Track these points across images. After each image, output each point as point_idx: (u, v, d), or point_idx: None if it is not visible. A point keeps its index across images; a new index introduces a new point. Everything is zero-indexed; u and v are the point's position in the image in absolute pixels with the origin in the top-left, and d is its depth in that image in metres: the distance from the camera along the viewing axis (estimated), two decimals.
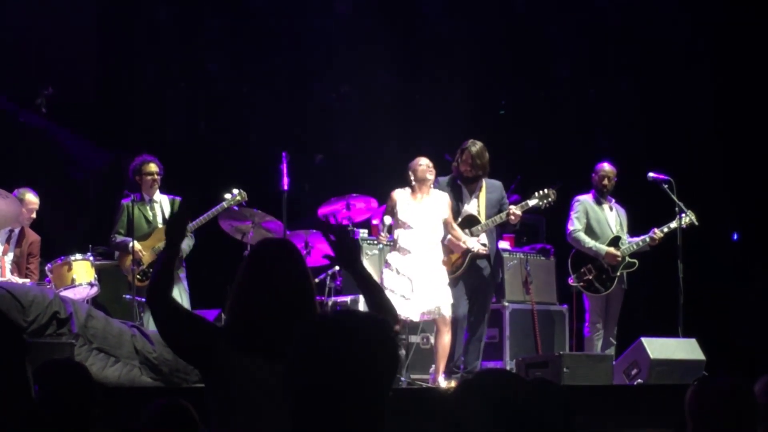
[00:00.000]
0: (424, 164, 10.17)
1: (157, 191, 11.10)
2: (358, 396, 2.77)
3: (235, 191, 11.00)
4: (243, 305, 4.26)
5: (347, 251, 4.59)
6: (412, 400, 8.59)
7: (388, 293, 9.61)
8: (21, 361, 3.72)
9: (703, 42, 13.71)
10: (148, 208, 10.99)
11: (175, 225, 4.44)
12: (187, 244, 10.93)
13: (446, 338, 10.02)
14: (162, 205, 11.10)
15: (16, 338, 3.79)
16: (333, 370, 2.76)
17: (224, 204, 10.95)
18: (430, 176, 10.17)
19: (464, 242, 10.34)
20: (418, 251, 9.96)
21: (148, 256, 10.87)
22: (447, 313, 9.98)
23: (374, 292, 4.57)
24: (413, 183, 10.15)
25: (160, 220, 11.01)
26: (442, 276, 10.04)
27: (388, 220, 10.09)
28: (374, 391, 2.80)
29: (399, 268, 9.96)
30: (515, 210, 10.50)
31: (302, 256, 4.41)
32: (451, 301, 10.07)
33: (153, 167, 11.02)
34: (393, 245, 10.29)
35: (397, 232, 10.13)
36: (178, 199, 11.19)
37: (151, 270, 10.87)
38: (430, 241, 10.06)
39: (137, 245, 10.72)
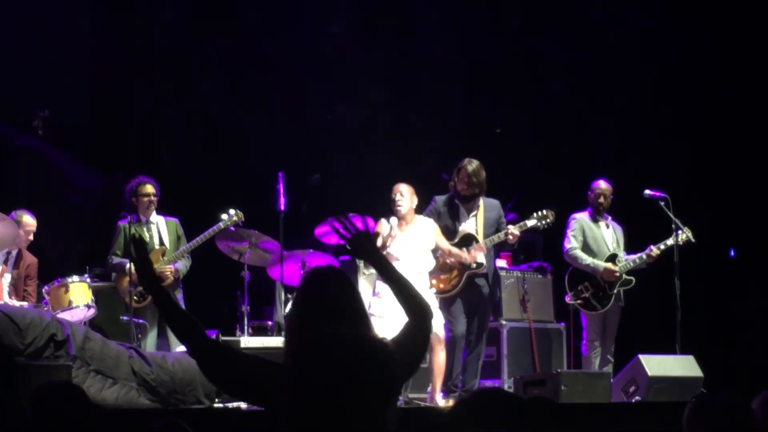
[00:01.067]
0: (395, 197, 10.19)
1: (154, 212, 11.09)
2: (357, 404, 2.79)
3: (232, 212, 11.00)
4: (302, 333, 4.08)
5: (359, 239, 4.49)
6: (409, 419, 8.57)
7: (376, 320, 9.69)
8: (11, 385, 3.72)
9: (697, 59, 13.73)
10: (145, 229, 10.98)
11: (137, 258, 4.43)
12: (183, 264, 10.94)
13: (440, 356, 10.01)
14: (159, 226, 11.10)
15: (4, 362, 3.79)
16: (336, 378, 2.78)
17: (221, 225, 10.95)
18: (400, 206, 10.15)
19: (455, 253, 10.35)
20: None
21: None
22: (440, 332, 9.97)
23: (396, 283, 4.48)
24: None
25: (157, 241, 11.01)
26: (431, 300, 10.02)
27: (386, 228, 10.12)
28: (372, 399, 2.82)
29: (388, 295, 9.94)
30: (513, 230, 10.49)
31: (350, 280, 4.33)
32: (442, 321, 10.07)
33: (150, 188, 11.02)
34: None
35: None
36: (174, 220, 11.20)
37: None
38: (416, 270, 10.03)
39: (134, 266, 10.71)
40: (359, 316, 4.16)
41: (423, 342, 4.29)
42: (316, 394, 3.77)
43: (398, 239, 10.10)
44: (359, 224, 4.40)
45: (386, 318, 9.58)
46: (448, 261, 10.44)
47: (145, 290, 4.37)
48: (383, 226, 10.17)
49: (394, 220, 10.16)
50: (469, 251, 10.44)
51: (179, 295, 10.83)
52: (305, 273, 4.57)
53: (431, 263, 10.22)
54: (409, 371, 4.16)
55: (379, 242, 10.04)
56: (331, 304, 4.12)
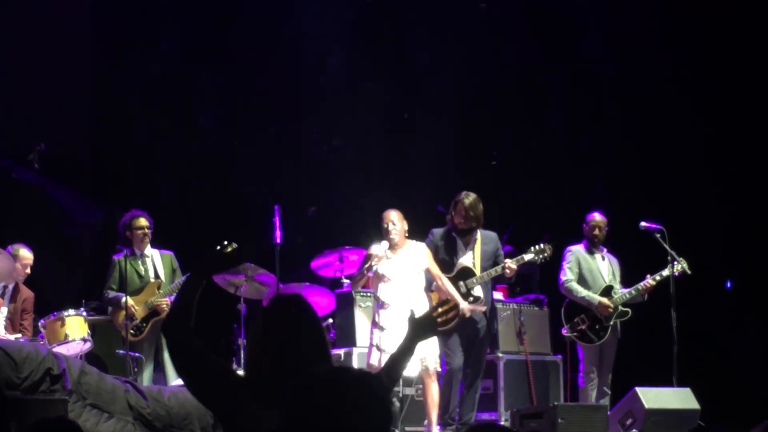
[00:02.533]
0: (387, 225, 10.22)
1: (149, 246, 11.11)
2: None
3: (225, 243, 10.97)
4: (259, 360, 4.24)
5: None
6: None
7: (375, 351, 9.72)
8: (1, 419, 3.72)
9: (693, 89, 13.77)
10: (139, 262, 10.99)
11: (219, 262, 4.50)
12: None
13: (433, 389, 9.98)
14: (153, 259, 11.12)
15: None
16: (328, 425, 2.77)
17: None
18: (394, 235, 10.18)
19: (455, 300, 10.35)
20: (398, 304, 9.95)
21: (141, 310, 10.88)
22: (432, 365, 9.95)
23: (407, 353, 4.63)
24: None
25: (152, 274, 11.02)
26: None
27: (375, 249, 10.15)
28: None
29: (384, 324, 9.96)
30: (511, 264, 10.49)
31: (314, 310, 4.41)
32: (437, 351, 10.05)
33: (143, 222, 11.05)
34: (376, 300, 10.26)
35: (377, 286, 10.16)
36: (169, 253, 11.22)
37: (144, 324, 10.87)
38: (409, 293, 10.04)
39: (130, 300, 10.73)
40: (322, 347, 4.27)
41: None
42: (271, 403, 3.92)
43: (391, 262, 10.12)
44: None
45: (389, 351, 9.58)
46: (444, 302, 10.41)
47: (201, 265, 4.41)
48: (374, 249, 10.19)
49: (385, 243, 10.18)
50: (466, 298, 10.42)
51: None
52: (272, 299, 4.57)
53: (422, 283, 10.22)
54: None
55: (367, 264, 10.09)
56: (293, 328, 4.23)
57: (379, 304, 10.16)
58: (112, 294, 10.91)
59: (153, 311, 10.89)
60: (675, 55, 13.87)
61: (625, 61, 14.18)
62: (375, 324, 10.12)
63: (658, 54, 13.98)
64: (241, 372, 4.50)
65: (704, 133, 13.74)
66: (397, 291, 10.05)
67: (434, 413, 9.99)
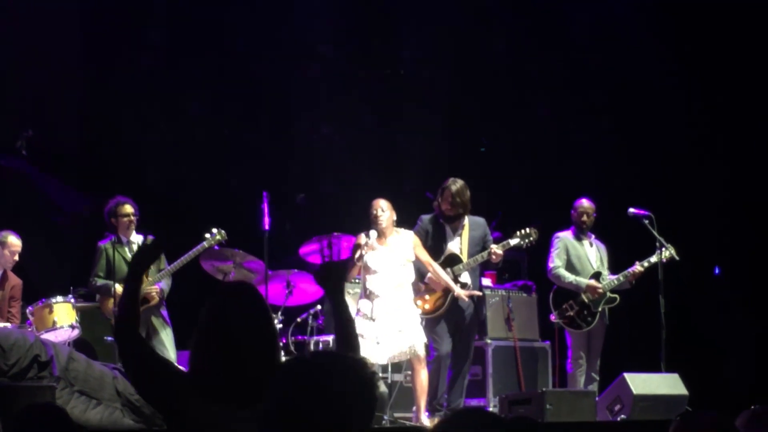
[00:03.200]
0: (375, 212, 10.23)
1: (134, 232, 11.04)
2: None
3: (214, 230, 10.99)
4: (203, 353, 4.16)
5: (331, 269, 4.51)
6: None
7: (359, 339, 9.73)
8: None
9: (682, 76, 13.78)
10: (126, 249, 10.95)
11: (142, 259, 4.46)
12: (166, 283, 10.93)
13: (422, 375, 10.00)
14: (139, 246, 11.09)
15: None
16: (312, 411, 2.77)
17: (204, 244, 10.94)
18: (382, 221, 10.17)
19: (444, 280, 10.37)
20: (385, 294, 9.96)
21: None
22: (421, 352, 9.97)
23: (343, 324, 4.45)
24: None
25: None
26: (413, 315, 10.03)
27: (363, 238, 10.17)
28: (353, 429, 2.81)
29: (368, 313, 9.97)
30: (496, 249, 10.50)
31: (262, 299, 4.29)
32: (424, 339, 10.07)
33: (128, 208, 10.96)
34: (362, 290, 10.28)
35: (364, 276, 10.16)
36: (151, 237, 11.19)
37: None
38: (396, 283, 10.06)
39: (119, 288, 10.70)
40: (261, 331, 4.16)
41: None
42: (216, 397, 3.97)
43: (378, 252, 10.13)
44: (344, 254, 4.48)
45: (367, 338, 9.63)
46: (435, 287, 10.44)
47: (133, 268, 4.35)
48: (361, 239, 10.20)
49: (373, 233, 10.18)
50: (456, 281, 10.44)
51: (164, 312, 10.83)
52: (216, 289, 4.48)
53: (411, 276, 10.23)
54: None
55: (357, 253, 10.09)
56: (236, 319, 4.13)
57: (363, 293, 10.17)
58: (100, 282, 10.86)
59: (142, 299, 10.87)
60: (664, 43, 13.88)
61: (614, 50, 14.17)
62: (357, 312, 10.13)
63: (648, 42, 13.98)
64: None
65: (693, 120, 13.76)
66: (384, 282, 10.06)
67: (423, 399, 10.01)
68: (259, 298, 4.27)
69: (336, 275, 4.51)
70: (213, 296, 4.30)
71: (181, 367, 4.47)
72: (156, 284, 10.79)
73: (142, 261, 4.48)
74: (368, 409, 2.90)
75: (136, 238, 11.05)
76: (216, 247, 11.05)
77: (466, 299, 10.38)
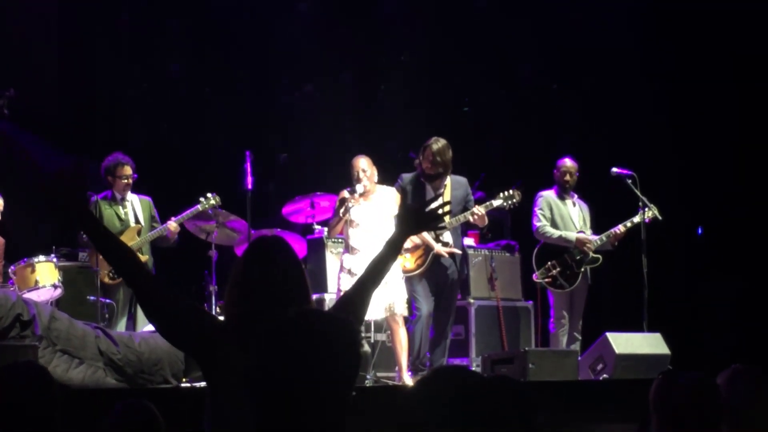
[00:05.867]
0: (357, 173, 10.21)
1: (129, 192, 11.13)
2: (320, 395, 2.77)
3: (209, 195, 11.04)
4: (241, 301, 4.24)
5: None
6: (377, 398, 8.57)
7: (346, 276, 9.76)
8: None
9: (662, 36, 13.77)
10: (120, 207, 10.98)
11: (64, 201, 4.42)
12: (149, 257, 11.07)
13: (401, 334, 10.00)
14: (133, 204, 11.12)
15: None
16: (296, 370, 2.76)
17: (199, 207, 11.04)
18: (364, 182, 10.15)
19: (429, 243, 10.37)
20: (368, 250, 9.93)
21: None
22: (400, 310, 9.97)
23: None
24: None
25: (132, 218, 11.07)
26: (395, 273, 9.99)
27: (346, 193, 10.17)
28: (336, 389, 2.80)
29: (352, 268, 9.96)
30: (478, 210, 10.46)
31: (294, 251, 4.42)
32: (405, 297, 10.07)
33: (128, 170, 11.04)
34: (345, 247, 10.29)
35: (347, 232, 10.16)
36: (148, 199, 11.25)
37: None
38: (379, 238, 10.03)
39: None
40: (299, 280, 4.30)
41: None
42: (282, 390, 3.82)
43: (361, 207, 10.12)
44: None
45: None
46: (415, 244, 10.43)
47: (75, 222, 4.28)
48: (345, 194, 10.19)
49: (359, 187, 10.14)
50: (437, 240, 10.44)
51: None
52: (253, 240, 4.56)
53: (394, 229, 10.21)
54: None
55: (342, 208, 10.08)
56: (276, 267, 4.25)
57: (347, 249, 10.17)
58: None
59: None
60: (646, 3, 13.87)
61: (595, 11, 14.13)
62: (342, 268, 10.13)
63: (629, 2, 13.97)
64: (221, 318, 4.47)
65: (675, 78, 13.74)
66: (367, 237, 10.04)
67: (404, 358, 10.01)
68: (292, 249, 4.40)
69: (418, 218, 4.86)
70: (250, 246, 4.44)
71: (216, 317, 4.53)
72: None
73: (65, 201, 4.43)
74: (352, 368, 2.89)
75: (131, 197, 11.09)
76: (209, 212, 11.09)
77: (446, 255, 10.38)
